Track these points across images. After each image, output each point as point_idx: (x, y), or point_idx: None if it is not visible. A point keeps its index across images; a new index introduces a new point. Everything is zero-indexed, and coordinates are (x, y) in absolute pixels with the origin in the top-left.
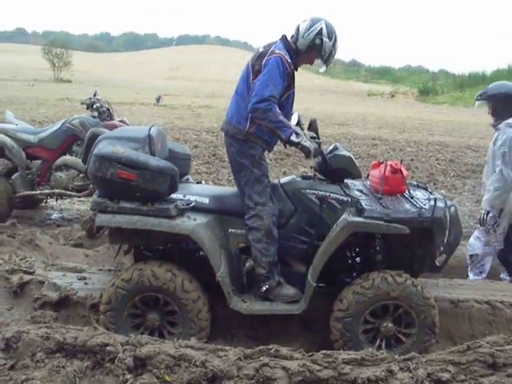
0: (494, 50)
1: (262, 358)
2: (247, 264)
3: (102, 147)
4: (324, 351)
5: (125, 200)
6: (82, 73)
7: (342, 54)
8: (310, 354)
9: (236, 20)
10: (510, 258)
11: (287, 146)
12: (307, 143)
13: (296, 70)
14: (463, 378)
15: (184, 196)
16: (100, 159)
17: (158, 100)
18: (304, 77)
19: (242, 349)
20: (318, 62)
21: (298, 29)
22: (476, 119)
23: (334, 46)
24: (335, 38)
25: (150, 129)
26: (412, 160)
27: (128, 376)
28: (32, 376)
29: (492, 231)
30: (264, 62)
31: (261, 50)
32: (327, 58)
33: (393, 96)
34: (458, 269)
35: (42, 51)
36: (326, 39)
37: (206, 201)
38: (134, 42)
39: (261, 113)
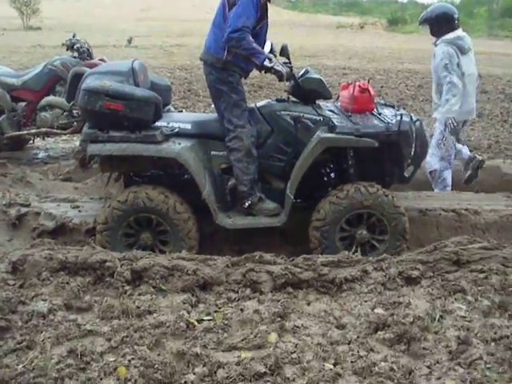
0: None
1: (247, 264)
2: (230, 183)
3: (90, 82)
4: (304, 255)
5: (114, 130)
6: (51, 19)
7: None
8: (291, 258)
9: None
10: None
11: (261, 71)
12: (279, 67)
13: (269, 1)
14: (431, 274)
15: (168, 123)
16: (88, 93)
17: (129, 41)
18: (273, 11)
19: (229, 257)
20: None
21: None
22: None
23: None
24: None
25: (132, 62)
26: (382, 87)
27: (127, 287)
28: (40, 292)
29: (442, 145)
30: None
31: None
32: None
33: (362, 27)
34: (428, 182)
35: (9, 0)
36: None
37: (189, 126)
38: None
39: (235, 42)
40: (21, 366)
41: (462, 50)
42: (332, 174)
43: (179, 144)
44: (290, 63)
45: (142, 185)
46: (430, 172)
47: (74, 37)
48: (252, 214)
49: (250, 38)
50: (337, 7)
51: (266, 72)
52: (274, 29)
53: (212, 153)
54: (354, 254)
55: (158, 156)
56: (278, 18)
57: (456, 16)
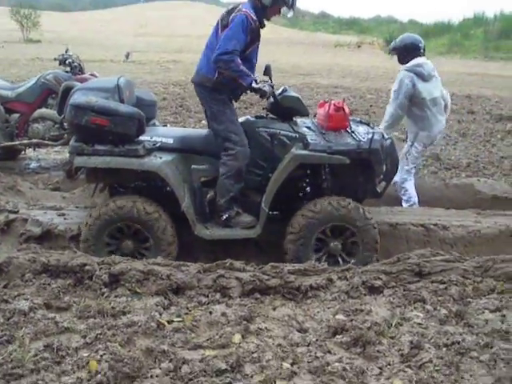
0: None
1: (218, 271)
2: (209, 195)
3: (77, 97)
4: (272, 263)
5: (99, 143)
6: (51, 32)
7: (312, 5)
8: (260, 266)
9: None
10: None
11: (248, 91)
12: (266, 88)
13: (262, 26)
14: (394, 284)
15: (151, 138)
16: (75, 108)
17: (127, 57)
18: (272, 30)
19: (202, 264)
20: (284, 9)
21: None
22: (438, 67)
23: None
24: None
25: (118, 79)
26: (371, 106)
27: (104, 290)
28: (23, 292)
29: (405, 159)
30: (231, 18)
31: (231, 6)
32: (292, 4)
33: (359, 46)
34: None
35: (10, 12)
36: None
37: (171, 141)
38: (102, 0)
39: (223, 63)
40: (0, 358)
41: (423, 77)
42: (307, 188)
43: (160, 158)
44: (272, 82)
45: (114, 197)
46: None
47: (66, 52)
48: (229, 226)
49: (239, 60)
50: (337, 26)
51: (251, 91)
52: (271, 46)
53: (192, 166)
54: (323, 264)
55: (140, 169)
56: (276, 35)
57: (421, 45)
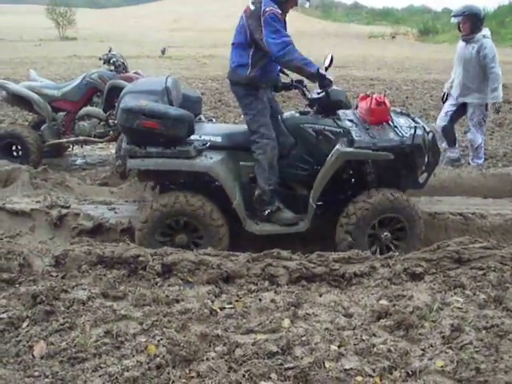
0: None
1: (266, 260)
2: (256, 192)
3: (127, 101)
4: (318, 252)
5: (150, 145)
6: (86, 30)
7: None
8: (306, 255)
9: None
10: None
11: (312, 80)
12: (330, 76)
13: (285, 17)
14: (434, 271)
15: (200, 137)
16: (127, 112)
17: (163, 52)
18: (305, 22)
19: (250, 253)
20: (301, 1)
21: None
22: None
23: None
24: None
25: (166, 80)
26: (407, 97)
27: (157, 279)
28: (80, 282)
29: (483, 123)
30: (262, 22)
31: (252, 7)
32: None
33: (393, 37)
34: (440, 189)
35: (46, 11)
36: None
37: (219, 139)
38: None
39: (288, 56)
40: (64, 343)
41: None
42: (352, 181)
43: (211, 158)
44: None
45: (183, 190)
46: (476, 147)
47: (110, 51)
48: (270, 221)
49: (297, 49)
50: (370, 16)
51: (316, 79)
52: (305, 39)
53: (241, 163)
54: (366, 252)
55: (191, 170)
56: (310, 28)
57: None
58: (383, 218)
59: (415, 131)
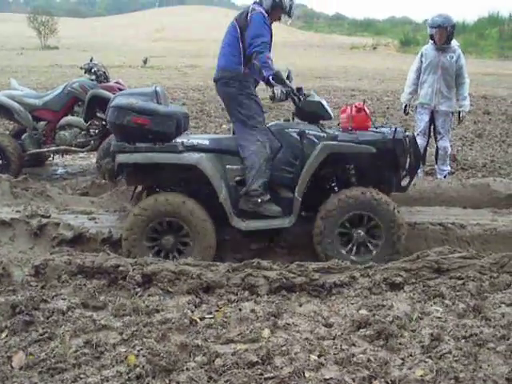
0: None
1: (246, 270)
2: (242, 191)
3: (118, 100)
4: (297, 262)
5: (140, 141)
6: (68, 39)
7: (326, 7)
8: (285, 265)
9: None
10: None
11: (265, 84)
12: (278, 91)
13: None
14: (413, 280)
15: (188, 140)
16: (118, 109)
17: (144, 62)
18: (288, 33)
19: (230, 263)
20: (283, 16)
21: None
22: None
23: None
24: None
25: (155, 87)
26: (388, 108)
27: (137, 289)
28: (60, 292)
29: (451, 130)
30: (248, 18)
31: (242, 11)
32: (289, 11)
33: (375, 48)
34: (420, 199)
35: (28, 20)
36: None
37: (207, 142)
38: (117, 5)
39: (255, 54)
40: (43, 354)
41: None
42: (333, 182)
43: (198, 154)
44: (290, 87)
45: (162, 192)
46: (450, 155)
47: (91, 60)
48: (260, 212)
49: (268, 53)
50: (352, 27)
51: (266, 85)
52: (287, 49)
53: (227, 166)
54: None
55: (179, 163)
56: (292, 38)
57: None
58: (354, 216)
59: (396, 130)
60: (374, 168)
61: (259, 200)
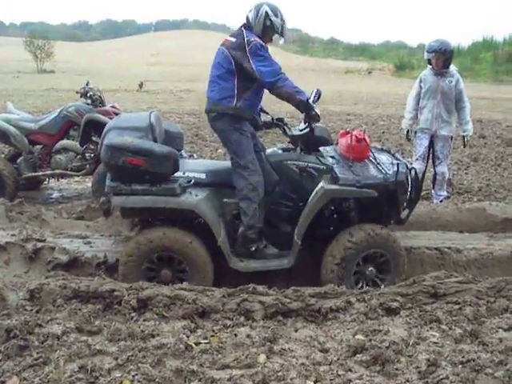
0: (470, 22)
1: (242, 295)
2: (241, 229)
3: (112, 138)
4: (293, 287)
5: (135, 182)
6: (64, 63)
7: (321, 31)
8: (281, 290)
9: (213, 2)
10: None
11: (301, 110)
12: (317, 109)
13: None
14: (410, 305)
15: (184, 173)
16: (112, 149)
17: (140, 86)
18: (283, 57)
19: (226, 288)
20: (275, 37)
21: (247, 19)
22: None
23: (282, 19)
24: (280, 12)
25: (149, 116)
26: (383, 132)
27: (133, 314)
28: (55, 316)
29: (449, 155)
30: (248, 52)
31: (233, 39)
32: (282, 32)
33: (370, 72)
34: (416, 223)
35: (24, 43)
36: (273, 18)
37: (203, 176)
38: (113, 30)
39: (280, 83)
40: (37, 379)
41: None
42: (334, 217)
43: (196, 195)
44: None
45: (167, 226)
46: (448, 179)
47: (87, 85)
48: (256, 257)
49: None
50: (347, 52)
51: (304, 109)
52: None
53: (224, 200)
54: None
55: (177, 208)
56: (287, 62)
57: None
58: (366, 255)
59: (398, 168)
60: (374, 206)
61: (253, 248)
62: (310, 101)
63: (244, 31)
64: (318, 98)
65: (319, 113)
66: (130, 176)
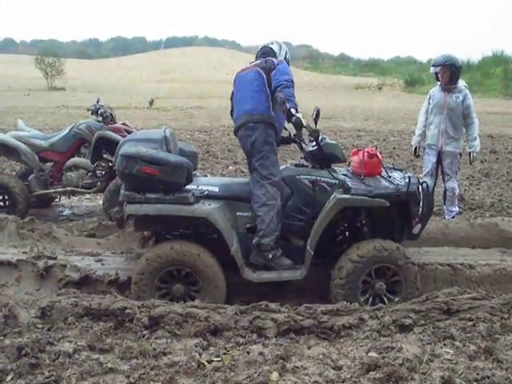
0: (480, 37)
1: (254, 312)
2: (254, 241)
3: (127, 148)
4: (306, 304)
5: (149, 191)
6: (74, 80)
7: (331, 48)
8: (294, 307)
9: (223, 19)
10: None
11: (288, 118)
12: (303, 120)
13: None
14: (423, 322)
15: (197, 186)
16: (126, 158)
17: (150, 103)
18: (293, 73)
19: (238, 306)
20: None
21: (272, 49)
22: None
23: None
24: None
25: (164, 131)
26: (394, 148)
27: (144, 332)
28: (67, 334)
29: (458, 171)
30: (276, 70)
31: (268, 63)
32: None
33: (380, 88)
34: (428, 240)
35: (35, 61)
36: (288, 55)
37: (216, 189)
38: (123, 47)
39: (281, 87)
40: None
41: None
42: (347, 233)
43: (209, 205)
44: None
45: (177, 240)
46: (458, 195)
47: (98, 102)
48: (271, 266)
49: (293, 89)
50: (357, 68)
51: (288, 116)
52: None
53: (237, 213)
54: (354, 304)
55: (190, 216)
56: (297, 79)
57: None
58: (377, 269)
59: (410, 180)
60: (387, 220)
61: (270, 255)
62: (293, 110)
63: (275, 60)
64: (318, 115)
65: (305, 122)
66: (144, 185)
